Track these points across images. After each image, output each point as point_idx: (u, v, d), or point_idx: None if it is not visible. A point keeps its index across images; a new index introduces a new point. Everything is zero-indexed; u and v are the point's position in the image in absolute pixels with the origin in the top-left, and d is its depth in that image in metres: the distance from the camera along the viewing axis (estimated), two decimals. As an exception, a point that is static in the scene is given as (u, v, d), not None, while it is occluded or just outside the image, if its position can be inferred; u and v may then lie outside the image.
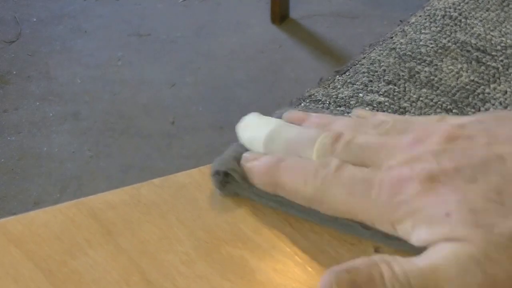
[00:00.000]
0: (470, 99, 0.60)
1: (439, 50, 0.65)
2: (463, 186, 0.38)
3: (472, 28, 0.67)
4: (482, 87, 0.61)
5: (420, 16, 0.70)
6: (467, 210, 0.37)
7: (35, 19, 2.26)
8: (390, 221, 0.40)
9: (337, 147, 0.43)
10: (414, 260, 0.38)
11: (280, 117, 0.48)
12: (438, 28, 0.67)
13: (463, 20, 0.68)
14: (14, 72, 2.04)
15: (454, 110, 0.59)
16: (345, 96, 0.60)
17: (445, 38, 0.66)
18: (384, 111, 0.58)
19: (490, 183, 0.38)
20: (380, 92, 0.60)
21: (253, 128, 0.47)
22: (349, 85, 0.62)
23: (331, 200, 0.41)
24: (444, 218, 0.37)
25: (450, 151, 0.40)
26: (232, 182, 0.45)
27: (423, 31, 0.67)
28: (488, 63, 0.63)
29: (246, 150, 0.46)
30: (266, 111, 1.60)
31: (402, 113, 0.58)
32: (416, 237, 0.39)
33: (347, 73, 0.64)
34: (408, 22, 0.70)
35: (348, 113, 0.58)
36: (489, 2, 0.70)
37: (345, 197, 0.41)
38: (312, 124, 0.46)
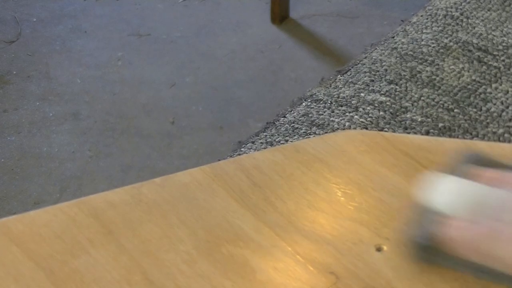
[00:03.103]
0: (471, 98, 0.60)
1: (441, 50, 0.65)
2: None
3: (474, 27, 0.67)
4: (484, 86, 0.61)
5: (421, 15, 0.70)
6: None
7: (35, 19, 2.26)
8: None
9: None
10: None
11: (466, 174, 0.45)
12: (440, 28, 0.67)
13: (464, 20, 0.68)
14: (14, 72, 2.04)
15: (455, 110, 0.59)
16: (347, 96, 0.60)
17: (446, 38, 0.66)
18: (385, 110, 0.58)
19: None
20: (382, 92, 0.60)
21: (452, 193, 0.44)
22: (351, 85, 0.61)
23: None
24: None
25: None
26: (432, 251, 0.42)
27: (424, 30, 0.67)
28: (490, 62, 0.63)
29: (440, 214, 0.43)
30: (266, 111, 1.61)
31: (404, 113, 0.58)
32: None
33: (348, 73, 0.63)
34: (410, 21, 0.70)
35: (349, 113, 0.58)
36: (490, 2, 0.69)
37: None
38: (507, 184, 0.43)
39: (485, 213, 0.41)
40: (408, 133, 0.61)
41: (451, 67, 0.63)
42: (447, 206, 0.43)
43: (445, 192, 0.44)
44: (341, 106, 0.59)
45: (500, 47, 0.64)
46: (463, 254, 0.41)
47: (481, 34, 0.66)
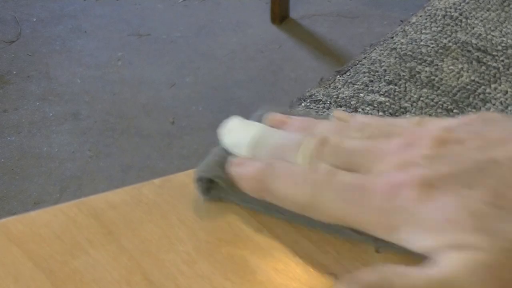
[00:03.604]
0: (470, 99, 0.60)
1: (440, 50, 0.65)
2: (461, 192, 0.37)
3: (473, 28, 0.67)
4: (483, 87, 0.61)
5: (420, 16, 0.70)
6: (469, 216, 0.36)
7: (35, 19, 2.26)
8: (385, 227, 0.39)
9: (324, 151, 0.42)
10: (421, 271, 0.37)
11: (260, 120, 0.48)
12: (439, 28, 0.67)
13: (463, 20, 0.68)
14: (14, 72, 2.04)
15: (454, 110, 0.59)
16: (346, 96, 0.60)
17: (445, 38, 0.66)
18: (385, 111, 0.58)
19: (488, 187, 0.37)
20: (381, 92, 0.60)
21: (237, 132, 0.46)
22: (350, 85, 0.62)
23: (323, 206, 0.40)
24: (444, 224, 0.36)
25: (443, 155, 0.39)
26: (217, 187, 0.44)
27: (423, 31, 0.67)
28: (489, 63, 0.63)
29: (229, 154, 0.45)
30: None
31: (403, 113, 0.58)
32: (415, 244, 0.38)
33: (347, 73, 0.64)
34: (409, 22, 0.71)
35: (349, 113, 0.58)
36: (489, 2, 0.70)
37: (338, 204, 0.40)
38: (294, 128, 0.46)
39: (272, 153, 0.43)
40: (408, 133, 0.61)
41: (450, 67, 0.63)
42: (237, 146, 0.45)
43: (243, 135, 0.46)
44: (340, 106, 0.59)
45: (499, 48, 0.64)
46: (248, 190, 0.43)
47: (480, 34, 0.66)
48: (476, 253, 0.35)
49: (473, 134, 0.40)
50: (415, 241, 0.38)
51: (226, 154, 0.45)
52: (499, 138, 0.39)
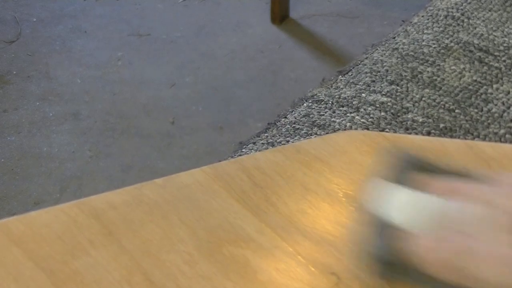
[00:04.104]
0: (472, 99, 0.60)
1: (442, 50, 0.65)
2: None
3: (475, 28, 0.67)
4: (485, 87, 0.61)
5: (422, 16, 0.70)
6: None
7: (35, 19, 2.26)
8: None
9: (504, 222, 0.38)
10: None
11: (405, 179, 0.44)
12: (441, 28, 0.67)
13: (465, 20, 0.68)
14: (14, 72, 2.03)
15: (456, 110, 0.59)
16: (348, 96, 0.60)
17: (447, 38, 0.66)
18: (387, 111, 0.58)
19: None
20: (383, 92, 0.60)
21: (401, 204, 0.42)
22: (352, 85, 0.61)
23: None
24: None
25: None
26: (394, 267, 0.41)
27: (425, 31, 0.67)
28: (491, 63, 0.63)
29: (396, 228, 0.41)
30: (266, 111, 1.60)
31: (405, 113, 0.58)
32: None
33: (349, 73, 0.63)
34: (411, 22, 0.70)
35: (350, 113, 0.58)
36: (491, 2, 0.69)
37: None
38: (450, 192, 0.42)
39: (446, 227, 0.40)
40: (409, 133, 0.60)
41: (452, 67, 0.63)
42: (405, 220, 0.41)
43: (400, 205, 0.42)
44: (342, 106, 0.59)
45: (501, 48, 0.64)
46: (436, 272, 0.39)
47: (482, 34, 0.66)
48: None
49: None
50: None
51: (391, 228, 0.41)
52: None
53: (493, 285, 0.37)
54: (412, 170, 0.45)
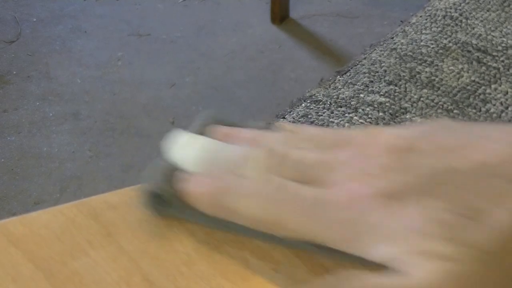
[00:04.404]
0: (471, 99, 0.60)
1: (440, 51, 0.65)
2: (422, 202, 0.36)
3: (473, 28, 0.67)
4: (483, 87, 0.61)
5: (421, 16, 0.70)
6: (436, 225, 0.35)
7: (35, 19, 2.26)
8: (345, 240, 0.38)
9: (274, 163, 0.41)
10: (391, 280, 0.36)
11: (203, 130, 0.46)
12: (439, 29, 0.67)
13: (464, 20, 0.68)
14: (14, 72, 2.04)
15: (455, 111, 0.59)
16: (346, 97, 0.60)
17: (446, 39, 0.66)
18: (385, 111, 0.58)
19: (450, 196, 0.36)
20: (381, 93, 0.60)
21: (182, 147, 0.45)
22: (350, 86, 0.61)
23: (279, 222, 0.39)
24: (410, 233, 0.36)
25: (399, 164, 0.37)
26: (166, 203, 0.43)
27: (424, 31, 0.67)
28: (489, 63, 0.63)
29: (175, 168, 0.44)
30: (266, 111, 1.61)
31: (403, 114, 0.58)
32: (377, 253, 0.37)
33: (348, 74, 0.64)
34: (409, 22, 0.70)
35: (349, 113, 0.58)
36: (489, 2, 0.70)
37: (294, 218, 0.38)
38: (240, 140, 0.44)
39: (221, 167, 0.42)
40: (408, 134, 0.60)
41: (451, 68, 0.63)
42: (184, 161, 0.44)
43: (187, 149, 0.44)
44: (341, 107, 0.59)
45: (500, 48, 0.64)
46: (204, 209, 0.41)
47: (480, 34, 0.66)
48: (447, 263, 0.35)
49: (429, 142, 0.38)
50: (378, 251, 0.37)
51: (172, 168, 0.44)
52: (456, 145, 0.37)
53: (248, 218, 0.40)
54: (208, 123, 0.47)
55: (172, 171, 0.43)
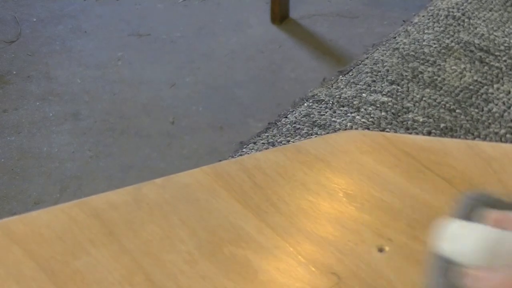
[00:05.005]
0: (473, 99, 0.60)
1: (442, 50, 0.65)
2: None
3: (475, 28, 0.67)
4: (486, 87, 0.61)
5: (423, 16, 0.70)
6: None
7: (35, 19, 2.25)
8: None
9: None
10: None
11: (471, 215, 0.44)
12: (441, 28, 0.67)
13: (466, 20, 0.68)
14: (14, 72, 2.03)
15: (457, 110, 0.59)
16: (348, 96, 0.60)
17: (448, 38, 0.66)
18: (387, 111, 0.58)
19: None
20: (383, 92, 0.60)
21: (461, 238, 0.42)
22: (352, 85, 0.61)
23: None
24: None
25: None
26: None
27: (426, 31, 0.67)
28: (492, 63, 0.63)
29: (453, 264, 0.41)
30: (266, 111, 1.61)
31: (405, 113, 0.58)
32: None
33: (350, 73, 0.63)
34: (411, 22, 0.70)
35: (351, 113, 0.57)
36: (492, 2, 0.69)
37: None
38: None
39: (501, 259, 0.40)
40: (410, 133, 0.60)
41: (453, 67, 0.63)
42: (463, 254, 0.41)
43: (456, 239, 0.42)
44: (343, 106, 0.59)
45: (502, 48, 0.64)
46: None
47: (482, 34, 0.66)
48: None
49: None
50: None
51: (450, 265, 0.41)
52: None
53: None
54: (482, 207, 0.44)
55: (451, 268, 0.41)
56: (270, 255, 0.42)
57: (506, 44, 0.65)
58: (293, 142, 0.60)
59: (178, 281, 0.40)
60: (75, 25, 2.23)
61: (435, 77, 0.62)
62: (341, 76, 0.63)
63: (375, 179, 0.51)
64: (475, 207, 0.44)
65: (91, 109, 1.91)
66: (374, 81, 0.61)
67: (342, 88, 0.61)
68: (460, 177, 0.49)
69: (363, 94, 0.60)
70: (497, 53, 0.64)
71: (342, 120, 0.58)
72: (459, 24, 0.67)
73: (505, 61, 0.63)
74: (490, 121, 0.60)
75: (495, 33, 0.66)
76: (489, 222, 0.42)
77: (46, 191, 1.68)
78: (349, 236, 0.43)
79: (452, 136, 0.59)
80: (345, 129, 0.59)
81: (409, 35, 0.67)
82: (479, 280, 0.39)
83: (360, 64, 0.64)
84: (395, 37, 0.68)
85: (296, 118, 0.60)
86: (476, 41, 0.65)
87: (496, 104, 0.60)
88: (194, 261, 0.41)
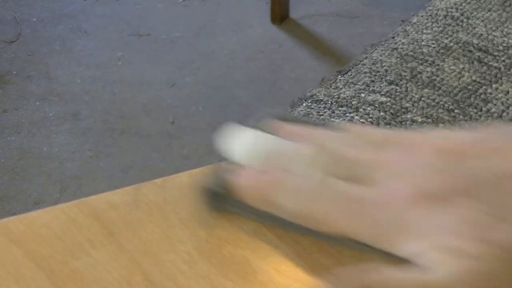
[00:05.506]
0: (472, 99, 0.60)
1: (441, 50, 0.65)
2: (461, 202, 0.37)
3: (474, 28, 0.67)
4: (484, 87, 0.61)
5: (422, 16, 0.70)
6: (466, 225, 0.36)
7: (35, 19, 2.26)
8: (377, 236, 0.39)
9: (324, 161, 0.42)
10: (415, 275, 0.37)
11: (257, 126, 0.46)
12: (440, 28, 0.67)
13: (465, 20, 0.68)
14: (14, 72, 2.04)
15: (456, 110, 0.59)
16: (347, 96, 0.60)
17: (447, 38, 0.66)
18: (386, 111, 0.58)
19: (487, 198, 0.37)
20: (382, 92, 0.60)
21: (234, 140, 0.45)
22: (351, 85, 0.61)
23: (323, 218, 0.40)
24: (439, 231, 0.37)
25: (444, 166, 0.39)
26: (221, 199, 0.43)
27: (425, 31, 0.67)
28: (490, 63, 0.63)
29: (229, 162, 0.44)
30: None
31: (404, 113, 0.58)
32: (406, 250, 0.38)
33: (349, 73, 0.64)
34: (410, 22, 0.70)
35: (350, 113, 0.58)
36: (491, 2, 0.69)
37: (338, 215, 0.40)
38: (292, 135, 0.45)
39: (275, 163, 0.43)
40: (409, 133, 0.61)
41: (452, 67, 0.63)
42: (241, 156, 0.44)
43: (240, 143, 0.45)
44: (342, 106, 0.59)
45: (501, 48, 0.64)
46: (251, 202, 0.42)
47: (481, 34, 0.66)
48: (471, 261, 0.36)
49: (478, 146, 0.39)
50: (406, 247, 0.38)
51: (232, 165, 0.44)
52: (504, 149, 0.38)
53: (292, 213, 0.41)
54: (271, 119, 0.47)
55: (229, 167, 0.44)
56: (269, 256, 0.42)
57: (504, 44, 0.65)
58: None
59: (178, 281, 0.40)
60: (75, 25, 2.23)
61: (433, 77, 0.62)
62: (339, 76, 0.63)
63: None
64: (265, 118, 0.47)
65: (91, 109, 1.91)
66: (373, 81, 0.62)
67: (341, 88, 0.61)
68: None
69: (362, 94, 0.60)
70: (495, 53, 0.64)
71: (341, 120, 0.58)
72: (457, 24, 0.68)
73: (503, 61, 0.63)
74: (488, 121, 0.60)
75: (493, 33, 0.66)
76: (281, 133, 0.45)
77: (46, 191, 1.68)
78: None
79: (451, 136, 0.59)
80: (344, 129, 0.59)
81: (408, 35, 0.67)
82: (248, 178, 0.42)
83: (358, 64, 0.65)
84: (393, 37, 0.68)
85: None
86: (475, 41, 0.65)
87: (495, 104, 0.60)
88: (193, 261, 0.41)
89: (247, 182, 0.42)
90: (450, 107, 0.59)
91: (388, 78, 0.62)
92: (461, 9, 0.69)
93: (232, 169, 0.43)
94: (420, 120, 0.59)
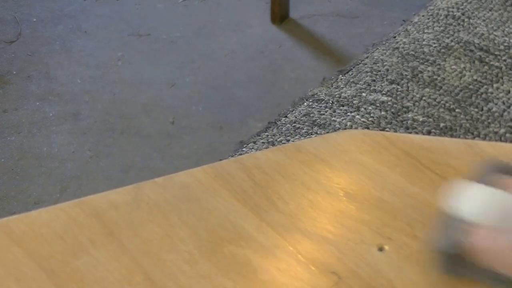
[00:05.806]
0: (473, 98, 0.60)
1: (442, 50, 0.65)
2: None
3: (475, 27, 0.66)
4: (485, 86, 0.61)
5: (423, 15, 0.70)
6: None
7: (35, 19, 2.25)
8: None
9: None
10: None
11: (491, 183, 0.44)
12: (441, 28, 0.67)
13: (466, 19, 0.68)
14: (14, 72, 2.03)
15: (457, 110, 0.59)
16: (348, 96, 0.60)
17: (448, 38, 0.66)
18: (387, 110, 0.58)
19: None
20: (383, 92, 0.60)
21: (476, 199, 0.43)
22: (352, 85, 0.61)
23: None
24: None
25: None
26: (454, 260, 0.41)
27: (426, 30, 0.67)
28: (491, 62, 0.63)
29: (464, 222, 0.42)
30: (266, 111, 1.61)
31: (405, 113, 0.58)
32: None
33: (350, 73, 0.63)
34: (411, 21, 0.70)
35: (351, 112, 0.58)
36: (492, 2, 0.69)
37: None
38: None
39: (510, 221, 0.40)
40: (410, 133, 0.60)
41: (453, 67, 0.63)
42: (474, 214, 0.42)
43: (471, 200, 0.43)
44: (343, 106, 0.59)
45: (502, 47, 0.64)
46: (488, 264, 0.40)
47: (482, 34, 0.66)
48: None
49: None
50: None
51: (463, 223, 0.42)
52: None
53: None
54: (497, 173, 0.45)
55: (462, 226, 0.41)
56: (270, 254, 0.42)
57: (505, 44, 0.65)
58: (293, 141, 0.60)
59: (178, 280, 0.40)
60: (75, 25, 2.23)
61: (434, 77, 0.62)
62: (341, 75, 0.63)
63: (375, 179, 0.51)
64: (491, 173, 0.45)
65: (91, 109, 1.91)
66: (374, 80, 0.61)
67: (342, 87, 0.61)
68: (460, 177, 0.49)
69: (363, 94, 0.60)
70: (496, 53, 0.64)
71: (342, 120, 0.58)
72: (459, 24, 0.67)
73: (504, 60, 0.63)
74: (489, 120, 0.60)
75: (494, 33, 0.66)
76: (503, 187, 0.43)
77: (46, 191, 1.68)
78: (349, 235, 0.43)
79: (451, 136, 0.59)
80: (345, 129, 0.59)
81: (409, 35, 0.67)
82: (486, 239, 0.40)
83: (360, 63, 0.64)
84: (395, 37, 0.68)
85: (296, 117, 0.60)
86: (476, 41, 0.65)
87: (496, 104, 0.60)
88: (194, 260, 0.41)
89: (484, 243, 0.40)
90: (451, 106, 0.59)
91: (389, 77, 0.62)
92: (462, 9, 0.69)
93: (465, 229, 0.41)
94: (421, 119, 0.59)
